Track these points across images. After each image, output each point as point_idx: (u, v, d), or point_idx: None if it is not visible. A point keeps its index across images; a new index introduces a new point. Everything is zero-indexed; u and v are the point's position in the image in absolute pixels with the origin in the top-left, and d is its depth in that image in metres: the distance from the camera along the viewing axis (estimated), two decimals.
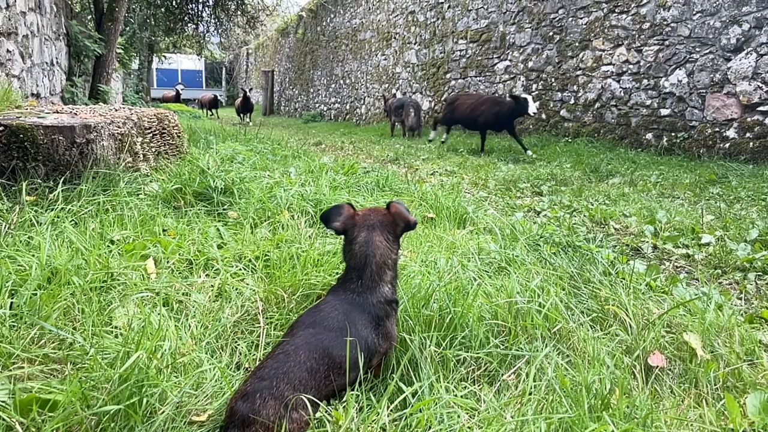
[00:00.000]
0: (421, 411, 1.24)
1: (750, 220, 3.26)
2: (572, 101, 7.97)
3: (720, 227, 3.15)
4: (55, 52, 6.74)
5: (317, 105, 18.64)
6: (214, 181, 2.69)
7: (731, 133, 5.95)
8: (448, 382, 1.40)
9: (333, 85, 17.34)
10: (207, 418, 1.22)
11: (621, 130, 7.31)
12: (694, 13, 6.26)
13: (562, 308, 1.77)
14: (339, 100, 16.88)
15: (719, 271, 2.52)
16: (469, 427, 1.25)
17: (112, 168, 2.63)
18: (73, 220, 2.13)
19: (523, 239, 2.54)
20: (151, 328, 1.40)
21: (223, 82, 35.33)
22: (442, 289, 1.71)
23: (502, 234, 2.69)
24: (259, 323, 1.64)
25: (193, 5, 15.27)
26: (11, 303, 1.49)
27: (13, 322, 1.43)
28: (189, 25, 16.01)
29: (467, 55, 10.45)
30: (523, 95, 6.85)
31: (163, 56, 22.34)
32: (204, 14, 15.76)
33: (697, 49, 6.24)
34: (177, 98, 20.91)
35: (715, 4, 6.03)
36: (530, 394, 1.34)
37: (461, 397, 1.34)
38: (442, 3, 11.20)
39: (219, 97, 20.51)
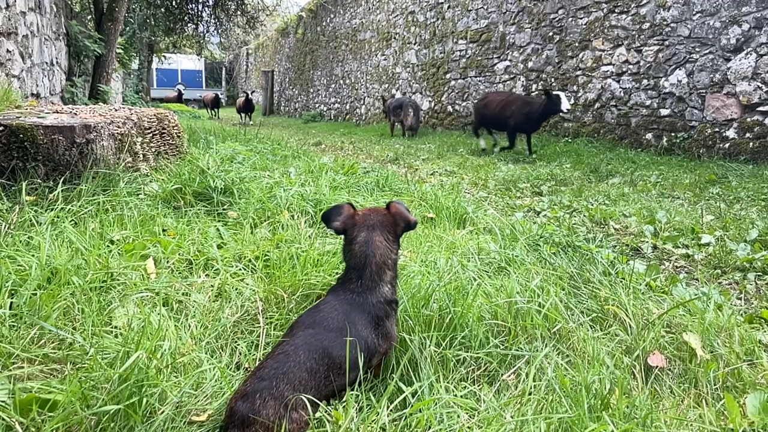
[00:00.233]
0: (420, 411, 1.24)
1: (750, 221, 3.26)
2: (572, 101, 7.96)
3: (720, 227, 3.15)
4: (54, 52, 6.73)
5: (317, 105, 18.64)
6: (213, 181, 2.69)
7: (731, 133, 5.95)
8: (447, 382, 1.40)
9: (333, 86, 17.34)
10: (207, 418, 1.22)
11: (621, 130, 7.31)
12: (693, 13, 6.26)
13: (562, 308, 1.77)
14: (339, 100, 16.88)
15: (719, 271, 2.52)
16: (468, 427, 1.25)
17: (112, 168, 2.63)
18: (72, 220, 2.13)
19: (522, 239, 2.54)
20: (151, 328, 1.40)
21: (223, 82, 35.34)
22: (442, 289, 1.71)
23: (501, 234, 2.69)
24: (259, 323, 1.64)
25: (193, 5, 15.27)
26: (11, 303, 1.49)
27: (13, 322, 1.43)
28: (189, 25, 16.02)
29: (467, 56, 10.45)
30: (555, 92, 6.39)
31: (163, 56, 22.33)
32: (204, 14, 15.77)
33: (697, 50, 6.24)
34: (179, 98, 20.87)
35: (714, 5, 6.03)
36: (530, 394, 1.34)
37: (461, 397, 1.34)
38: (442, 3, 11.20)
39: (220, 96, 20.51)
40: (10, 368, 1.28)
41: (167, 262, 1.94)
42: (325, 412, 1.25)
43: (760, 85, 5.63)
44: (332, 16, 17.19)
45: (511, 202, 4.11)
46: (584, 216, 3.57)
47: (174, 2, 14.85)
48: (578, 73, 7.93)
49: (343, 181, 3.64)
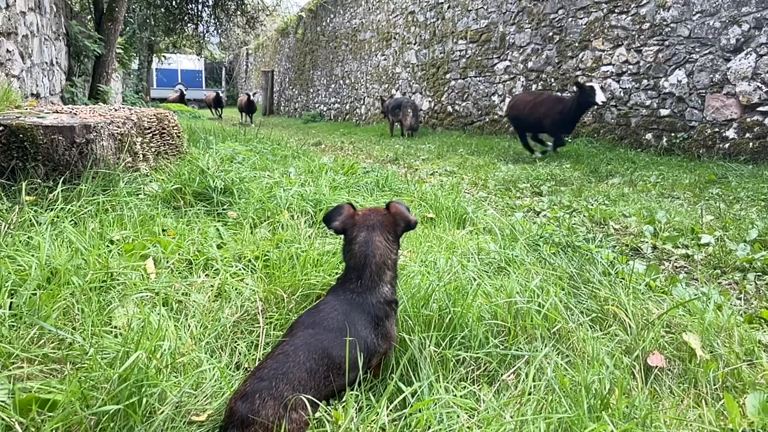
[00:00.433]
0: (420, 411, 1.24)
1: (749, 221, 3.26)
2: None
3: (719, 227, 3.15)
4: (54, 52, 6.73)
5: (317, 105, 18.64)
6: (213, 181, 2.69)
7: (731, 133, 5.95)
8: (447, 382, 1.40)
9: (333, 86, 17.35)
10: (206, 418, 1.22)
11: (621, 130, 7.31)
12: (693, 13, 6.26)
13: (562, 308, 1.77)
14: (339, 100, 16.88)
15: (719, 271, 2.52)
16: (468, 427, 1.25)
17: (111, 168, 2.63)
18: (72, 220, 2.13)
19: (522, 239, 2.54)
20: (151, 328, 1.40)
21: (223, 82, 35.33)
22: (442, 289, 1.71)
23: (501, 234, 2.69)
24: (259, 323, 1.64)
25: (193, 5, 15.28)
26: (11, 303, 1.49)
27: (12, 322, 1.43)
28: (189, 25, 16.02)
29: (467, 56, 10.45)
30: (589, 83, 6.03)
31: (163, 56, 22.30)
32: (204, 14, 15.78)
33: (697, 50, 6.25)
34: (181, 99, 20.73)
35: (714, 5, 6.03)
36: (530, 394, 1.34)
37: (461, 397, 1.34)
38: (442, 3, 11.20)
39: (221, 96, 20.41)
40: (10, 368, 1.28)
41: (167, 262, 1.94)
42: (325, 412, 1.25)
43: (760, 85, 5.63)
44: (332, 16, 17.19)
45: (510, 202, 4.11)
46: (584, 216, 3.57)
47: (174, 2, 14.85)
48: (578, 73, 7.93)
49: (342, 181, 3.64)
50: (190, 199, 2.59)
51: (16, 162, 2.37)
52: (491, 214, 3.32)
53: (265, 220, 2.54)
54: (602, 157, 6.28)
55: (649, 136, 6.91)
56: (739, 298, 2.20)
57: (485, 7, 9.86)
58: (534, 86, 8.77)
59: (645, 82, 6.91)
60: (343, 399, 1.28)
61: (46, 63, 6.20)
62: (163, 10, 14.89)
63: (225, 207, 2.62)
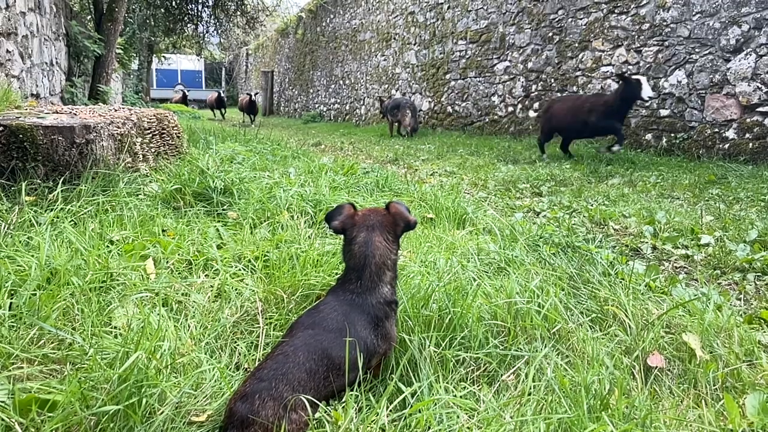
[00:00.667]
0: (420, 411, 1.24)
1: (749, 221, 3.26)
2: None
3: (719, 228, 3.15)
4: (54, 52, 6.73)
5: (317, 105, 18.64)
6: (213, 182, 2.69)
7: (730, 133, 5.95)
8: (447, 383, 1.40)
9: (332, 86, 17.35)
10: (206, 418, 1.22)
11: None
12: (693, 14, 6.27)
13: (562, 309, 1.77)
14: (339, 100, 16.89)
15: (718, 271, 2.52)
16: (468, 428, 1.25)
17: (111, 168, 2.63)
18: (72, 220, 2.13)
19: (522, 240, 2.54)
20: (151, 328, 1.40)
21: (223, 83, 35.33)
22: (442, 290, 1.71)
23: (501, 234, 2.69)
24: (259, 324, 1.64)
25: (193, 6, 15.28)
26: (10, 303, 1.49)
27: (12, 322, 1.43)
28: (188, 25, 16.03)
29: (467, 56, 10.46)
30: (635, 76, 5.47)
31: (163, 57, 22.29)
32: (203, 15, 15.78)
33: (697, 50, 6.25)
34: (184, 100, 20.60)
35: (714, 5, 6.03)
36: (529, 394, 1.34)
37: (460, 397, 1.34)
38: (442, 3, 11.20)
39: (223, 96, 20.08)
40: (10, 368, 1.28)
41: (167, 262, 1.94)
42: (325, 412, 1.25)
43: (760, 85, 5.63)
44: (332, 16, 17.20)
45: (510, 203, 4.11)
46: (584, 216, 3.57)
47: (174, 3, 14.86)
48: (578, 73, 7.93)
49: (342, 182, 3.64)
50: (190, 200, 2.59)
51: (16, 162, 2.37)
52: (491, 215, 3.32)
53: (264, 221, 2.54)
54: (602, 158, 6.28)
55: (648, 136, 6.91)
56: (739, 299, 2.20)
57: (485, 7, 9.87)
58: (534, 87, 8.78)
59: None
60: (343, 399, 1.28)
61: (46, 63, 6.20)
62: (162, 10, 14.89)
63: (225, 207, 2.62)
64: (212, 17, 15.98)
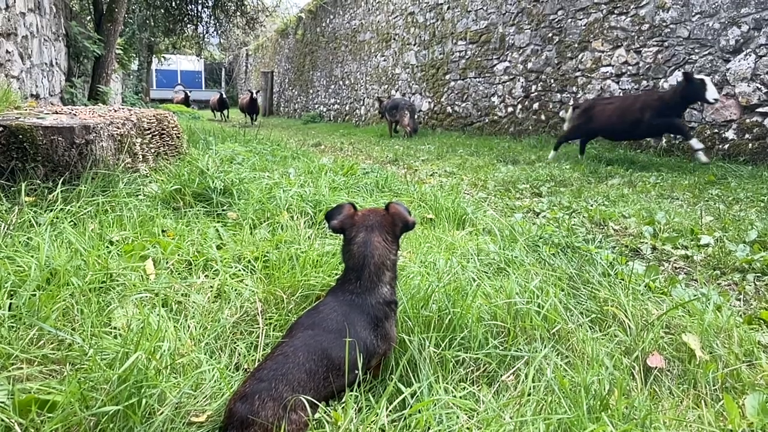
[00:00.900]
0: (420, 412, 1.24)
1: (749, 222, 3.26)
2: (572, 102, 7.96)
3: (719, 228, 3.15)
4: (54, 52, 6.73)
5: (317, 106, 18.64)
6: (213, 182, 2.69)
7: (730, 134, 5.95)
8: (447, 383, 1.40)
9: (332, 86, 17.35)
10: (206, 419, 1.22)
11: None
12: (693, 14, 6.27)
13: (561, 309, 1.77)
14: (338, 101, 16.89)
15: (718, 272, 2.52)
16: (468, 428, 1.25)
17: (111, 169, 2.63)
18: (72, 220, 2.13)
19: (522, 240, 2.54)
20: (150, 328, 1.40)
21: (223, 83, 35.34)
22: (442, 290, 1.71)
23: (501, 235, 2.69)
24: (259, 324, 1.64)
25: (193, 6, 15.29)
26: (10, 304, 1.49)
27: (12, 322, 1.43)
28: (188, 26, 16.03)
29: (467, 56, 10.46)
30: (699, 76, 5.07)
31: (163, 57, 22.30)
32: (203, 15, 15.79)
33: (696, 51, 6.25)
34: (186, 100, 20.47)
35: (714, 6, 6.04)
36: (529, 394, 1.34)
37: (460, 397, 1.34)
38: (442, 4, 11.21)
39: (224, 97, 19.75)
40: (10, 369, 1.28)
41: (166, 262, 1.94)
42: (324, 413, 1.25)
43: (759, 86, 5.63)
44: (332, 17, 17.20)
45: (510, 203, 4.11)
46: (583, 217, 3.57)
47: (174, 3, 14.86)
48: (577, 74, 7.94)
49: (342, 182, 3.64)
50: (190, 200, 2.59)
51: (16, 163, 2.37)
52: (491, 215, 3.32)
53: (264, 221, 2.54)
54: (601, 158, 6.28)
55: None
56: (739, 299, 2.20)
57: (485, 8, 9.87)
58: (534, 87, 8.78)
59: (644, 83, 6.92)
60: (343, 400, 1.28)
61: (46, 64, 6.20)
62: (162, 10, 14.90)
63: (224, 208, 2.62)
64: (212, 18, 16.00)
